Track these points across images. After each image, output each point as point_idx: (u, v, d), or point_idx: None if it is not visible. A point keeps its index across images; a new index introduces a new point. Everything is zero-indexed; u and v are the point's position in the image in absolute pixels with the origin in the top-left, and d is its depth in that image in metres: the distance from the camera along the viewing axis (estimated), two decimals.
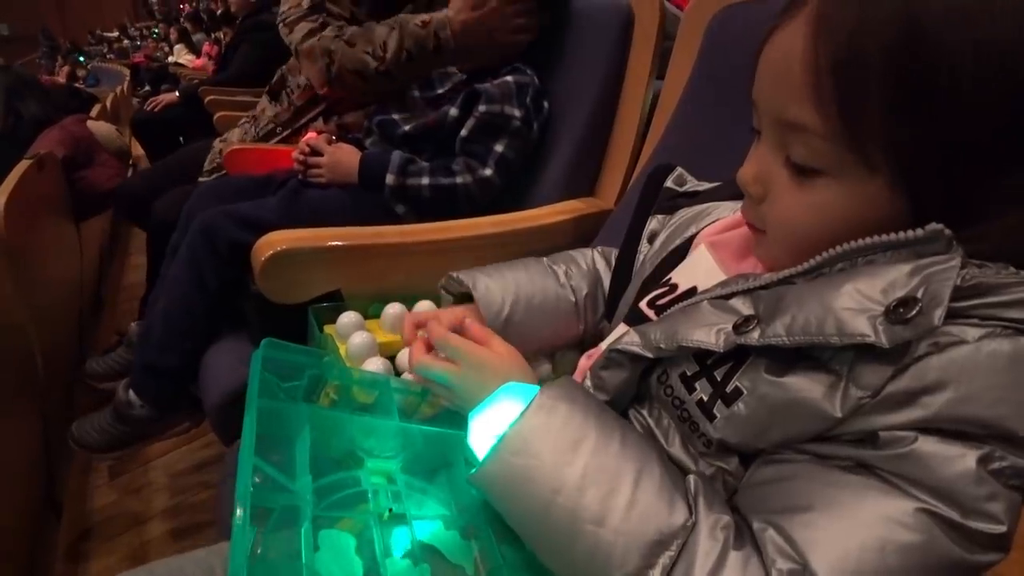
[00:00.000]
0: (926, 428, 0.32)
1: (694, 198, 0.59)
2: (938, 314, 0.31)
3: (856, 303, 0.33)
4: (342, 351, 0.68)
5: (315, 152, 1.07)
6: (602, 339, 0.59)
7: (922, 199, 0.34)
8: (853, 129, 0.33)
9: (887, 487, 0.33)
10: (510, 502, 0.40)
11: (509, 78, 1.04)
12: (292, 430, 0.45)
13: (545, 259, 0.68)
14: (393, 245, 0.81)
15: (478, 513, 0.45)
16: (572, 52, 1.10)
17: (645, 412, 0.46)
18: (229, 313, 0.90)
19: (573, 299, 0.64)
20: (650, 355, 0.42)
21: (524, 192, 1.10)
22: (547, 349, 0.66)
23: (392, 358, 0.72)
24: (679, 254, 0.54)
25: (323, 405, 0.51)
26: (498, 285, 0.62)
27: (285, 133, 1.38)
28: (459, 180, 1.01)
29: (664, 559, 0.34)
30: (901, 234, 0.34)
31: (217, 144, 1.47)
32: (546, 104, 1.08)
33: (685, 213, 0.58)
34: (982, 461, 0.31)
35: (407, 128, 1.06)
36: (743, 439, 0.39)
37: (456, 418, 0.55)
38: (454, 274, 0.64)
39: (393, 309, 0.76)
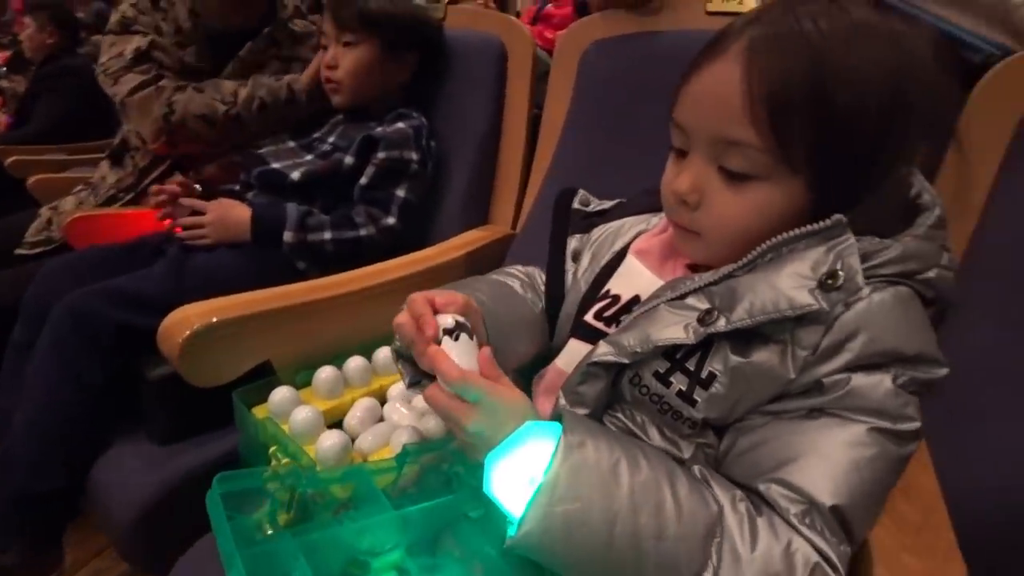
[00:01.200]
0: (854, 367, 0.41)
1: (604, 216, 0.64)
2: (859, 280, 0.41)
3: (796, 282, 0.41)
4: (285, 430, 0.63)
5: (194, 211, 0.97)
6: (548, 360, 0.61)
7: (826, 193, 0.43)
8: (783, 143, 0.42)
9: (841, 420, 0.41)
10: (566, 552, 0.39)
11: (401, 124, 1.03)
12: (286, 565, 0.41)
13: (493, 275, 0.67)
14: (326, 300, 0.76)
15: (493, 560, 0.45)
16: (452, 89, 1.13)
17: (619, 415, 0.49)
18: (118, 411, 0.78)
19: (536, 311, 0.63)
20: (627, 360, 0.46)
21: (424, 229, 1.10)
22: (520, 366, 0.63)
23: (338, 424, 0.68)
24: (611, 268, 0.58)
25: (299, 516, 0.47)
26: (488, 298, 0.58)
27: (128, 197, 1.24)
28: (363, 232, 0.98)
29: (715, 546, 0.38)
30: (814, 226, 0.42)
31: (46, 212, 1.27)
32: (433, 143, 1.09)
33: (603, 230, 0.62)
34: (894, 380, 0.41)
35: (296, 177, 1.01)
36: (721, 414, 0.44)
37: (437, 473, 0.53)
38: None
39: (326, 373, 0.72)
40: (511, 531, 0.40)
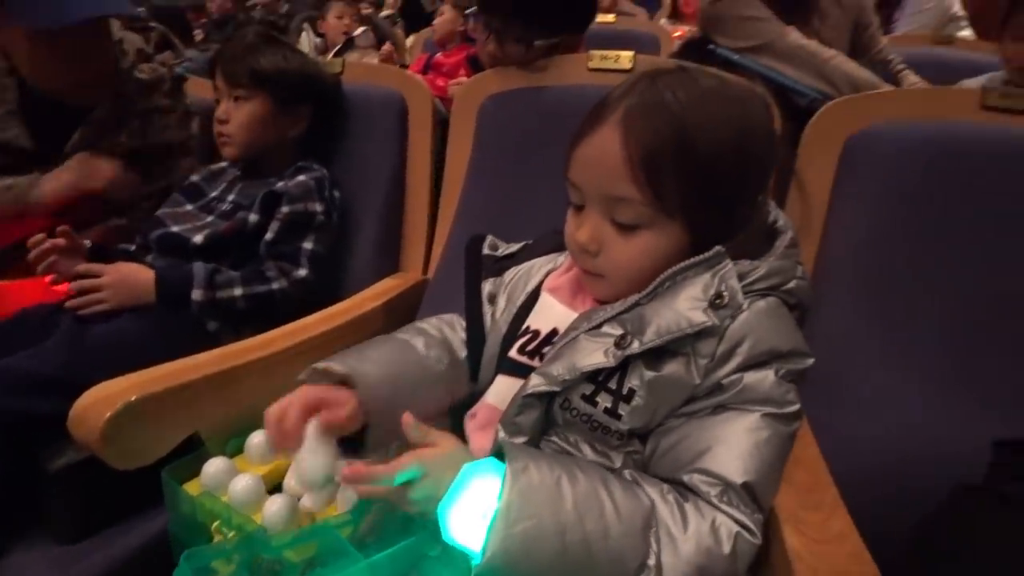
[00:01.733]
0: (744, 368, 0.50)
1: (514, 259, 0.70)
2: (740, 297, 0.50)
3: (692, 304, 0.50)
4: (225, 502, 0.61)
5: (87, 275, 0.90)
6: (475, 399, 0.65)
7: (699, 233, 0.52)
8: (660, 197, 0.50)
9: (740, 412, 0.49)
10: (528, 567, 0.44)
11: (303, 177, 1.03)
12: None
13: (398, 334, 0.69)
14: (250, 364, 0.74)
15: None
16: (355, 142, 1.15)
17: (554, 439, 0.55)
18: (11, 511, 0.70)
19: (439, 369, 0.66)
20: (558, 388, 0.52)
21: (337, 280, 1.09)
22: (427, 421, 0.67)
23: (278, 488, 0.66)
24: (527, 306, 0.64)
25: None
26: (374, 370, 0.61)
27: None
28: (275, 286, 0.96)
29: (653, 535, 0.45)
30: (700, 257, 0.52)
31: None
32: (337, 193, 1.11)
33: (515, 272, 0.68)
34: (776, 373, 0.50)
35: (199, 240, 0.97)
36: (643, 423, 0.52)
37: (393, 517, 0.54)
38: (320, 365, 0.62)
39: (258, 438, 0.70)
40: (476, 560, 0.43)
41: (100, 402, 0.60)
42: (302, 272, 0.99)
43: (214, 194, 1.07)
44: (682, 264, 0.52)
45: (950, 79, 1.49)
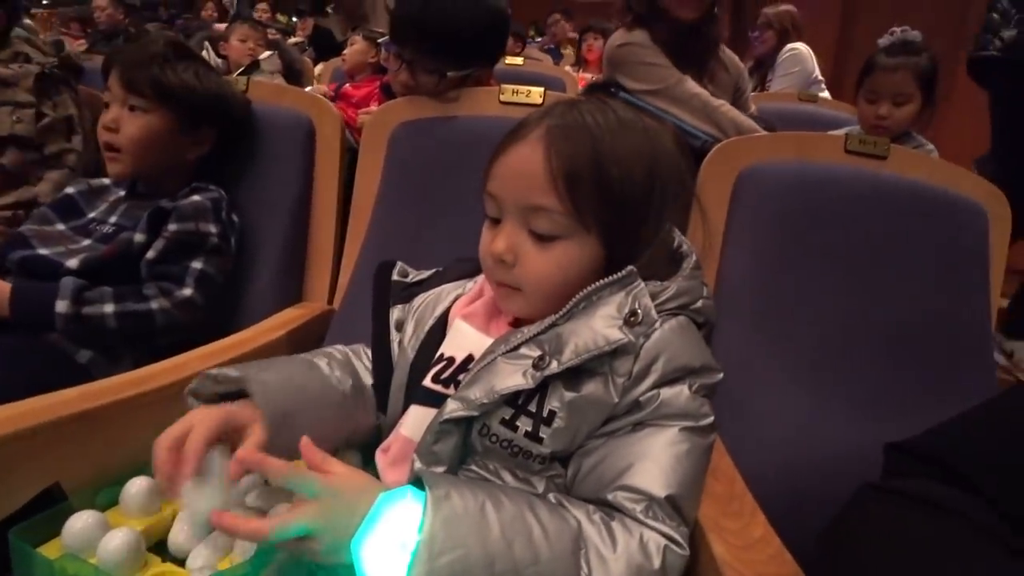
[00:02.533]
0: (660, 384, 0.51)
1: (424, 285, 0.69)
2: (653, 315, 0.52)
3: (608, 323, 0.51)
4: (93, 565, 0.52)
5: None
6: (386, 433, 0.62)
7: (612, 248, 0.54)
8: (578, 209, 0.52)
9: (658, 428, 0.50)
10: None
11: (197, 197, 0.96)
12: None
13: (302, 355, 0.66)
14: (127, 400, 0.65)
15: None
16: (258, 165, 1.09)
17: (473, 467, 0.54)
18: None
19: (342, 390, 0.63)
20: (476, 413, 0.51)
21: (235, 309, 1.02)
22: (326, 446, 0.63)
23: (162, 543, 0.58)
24: (435, 333, 0.63)
25: None
26: (273, 377, 0.58)
27: None
28: (155, 305, 0.87)
29: (583, 556, 0.44)
30: (613, 277, 0.53)
31: None
32: (236, 218, 1.03)
33: (423, 298, 0.67)
34: (690, 388, 0.51)
35: (73, 265, 0.86)
36: (565, 445, 0.51)
37: (298, 567, 0.49)
38: (214, 371, 0.58)
39: (137, 486, 0.61)
40: None
41: None
42: (187, 292, 0.90)
43: (93, 215, 0.98)
44: (597, 284, 0.53)
45: (813, 130, 1.73)
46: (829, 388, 0.83)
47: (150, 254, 0.90)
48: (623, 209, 0.53)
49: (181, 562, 0.57)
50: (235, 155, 1.09)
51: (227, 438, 0.55)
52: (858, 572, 0.43)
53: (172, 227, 0.92)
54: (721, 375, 0.54)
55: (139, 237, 0.91)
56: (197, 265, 0.93)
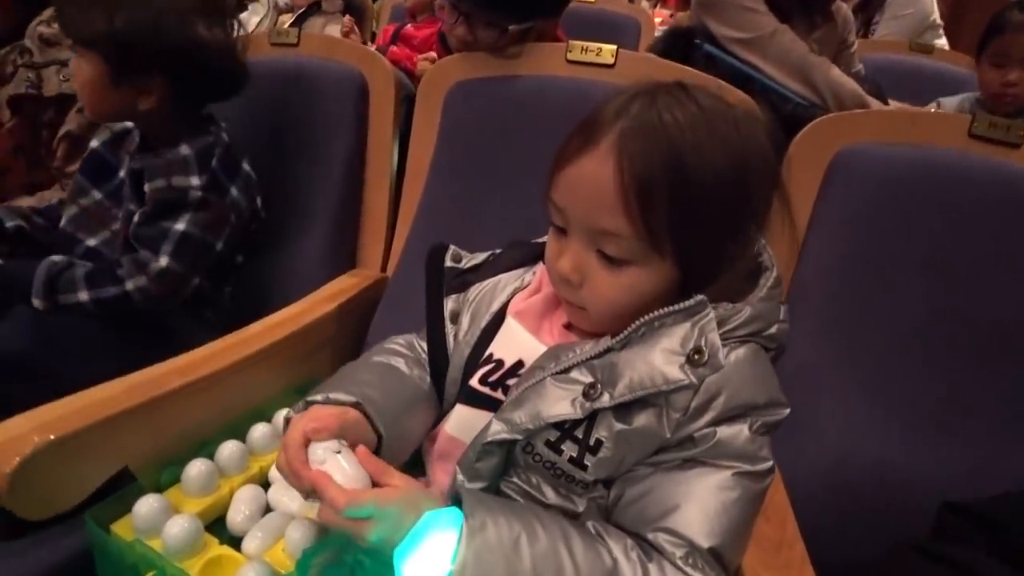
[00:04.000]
0: (718, 422, 0.47)
1: (478, 272, 0.65)
2: (722, 356, 0.46)
3: (667, 359, 0.47)
4: (157, 548, 0.56)
5: None
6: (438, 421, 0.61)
7: (690, 272, 0.49)
8: (651, 232, 0.46)
9: (710, 468, 0.47)
10: None
11: (182, 147, 0.86)
12: None
13: (373, 357, 0.65)
14: (186, 386, 0.67)
15: None
16: (307, 124, 1.06)
17: (515, 479, 0.52)
18: None
19: (425, 388, 0.63)
20: (520, 437, 0.49)
21: (283, 277, 1.03)
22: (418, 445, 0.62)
23: (220, 520, 0.62)
24: (492, 330, 0.60)
25: None
26: (374, 392, 0.57)
27: None
28: (129, 286, 0.81)
29: None
30: (680, 305, 0.48)
31: None
32: (246, 165, 0.93)
33: (480, 288, 0.63)
34: (751, 428, 0.47)
35: (93, 243, 0.85)
36: (610, 473, 0.49)
37: (340, 568, 0.51)
38: (318, 396, 0.56)
39: (196, 468, 0.64)
40: None
41: (5, 446, 0.53)
42: (162, 262, 0.82)
43: (121, 173, 0.92)
44: (660, 312, 0.48)
45: (924, 88, 1.49)
46: (901, 406, 0.75)
47: (136, 219, 0.84)
48: (705, 230, 0.47)
49: (238, 539, 0.60)
50: (286, 114, 1.05)
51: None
52: None
53: (146, 187, 0.83)
54: (787, 411, 0.49)
55: (131, 206, 0.85)
56: (178, 227, 0.84)
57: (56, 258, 0.82)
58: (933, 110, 1.35)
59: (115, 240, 0.87)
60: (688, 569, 0.44)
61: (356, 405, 0.55)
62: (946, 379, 0.74)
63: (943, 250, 0.76)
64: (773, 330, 0.50)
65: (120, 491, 0.61)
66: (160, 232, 0.83)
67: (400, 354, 0.65)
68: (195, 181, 0.85)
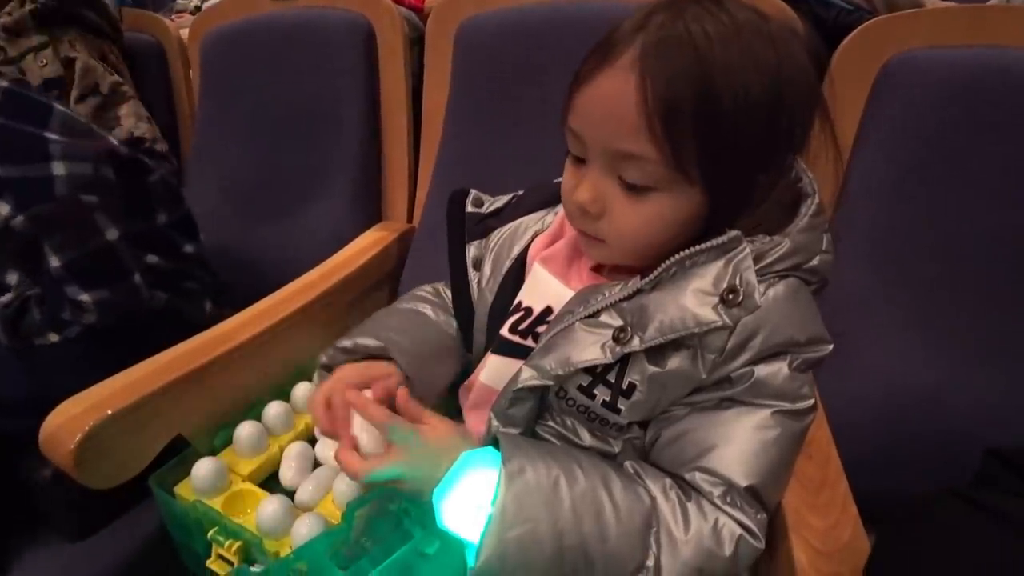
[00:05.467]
0: (756, 361, 0.45)
1: (499, 216, 0.64)
2: (758, 294, 0.44)
3: (701, 300, 0.44)
4: (217, 509, 0.60)
5: None
6: (470, 368, 0.62)
7: (720, 199, 0.45)
8: (678, 155, 0.42)
9: (748, 407, 0.46)
10: (524, 571, 0.43)
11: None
12: None
13: (401, 304, 0.67)
14: (230, 352, 0.69)
15: None
16: (318, 81, 1.03)
17: (551, 423, 0.52)
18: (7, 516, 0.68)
19: (451, 333, 0.64)
20: (551, 383, 0.48)
21: (311, 236, 1.03)
22: (445, 391, 0.64)
23: (273, 477, 0.65)
24: (514, 275, 0.59)
25: None
26: (401, 337, 0.59)
27: None
28: (85, 320, 0.72)
29: (653, 535, 0.43)
30: (713, 241, 0.45)
31: None
32: (51, 132, 0.70)
33: (500, 233, 0.62)
34: (790, 365, 0.45)
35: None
36: (645, 415, 0.48)
37: (386, 516, 0.53)
38: (347, 342, 0.59)
39: (246, 429, 0.67)
40: (471, 563, 0.42)
41: (67, 424, 0.56)
42: (87, 300, 0.71)
43: None
44: (692, 250, 0.45)
45: None
46: (953, 336, 0.70)
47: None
48: (737, 153, 0.43)
49: (291, 493, 0.63)
50: (289, 65, 1.02)
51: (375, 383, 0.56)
52: None
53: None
54: (830, 347, 0.47)
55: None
56: (55, 264, 0.69)
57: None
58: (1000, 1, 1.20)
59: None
60: (727, 508, 0.44)
61: (382, 350, 0.57)
62: (1001, 309, 0.69)
63: (1006, 165, 0.69)
64: (815, 262, 0.47)
65: (179, 455, 0.64)
66: (50, 279, 0.71)
67: (427, 300, 0.66)
68: (3, 209, 0.67)
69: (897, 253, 0.73)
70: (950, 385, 0.68)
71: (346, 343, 0.59)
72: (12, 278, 0.76)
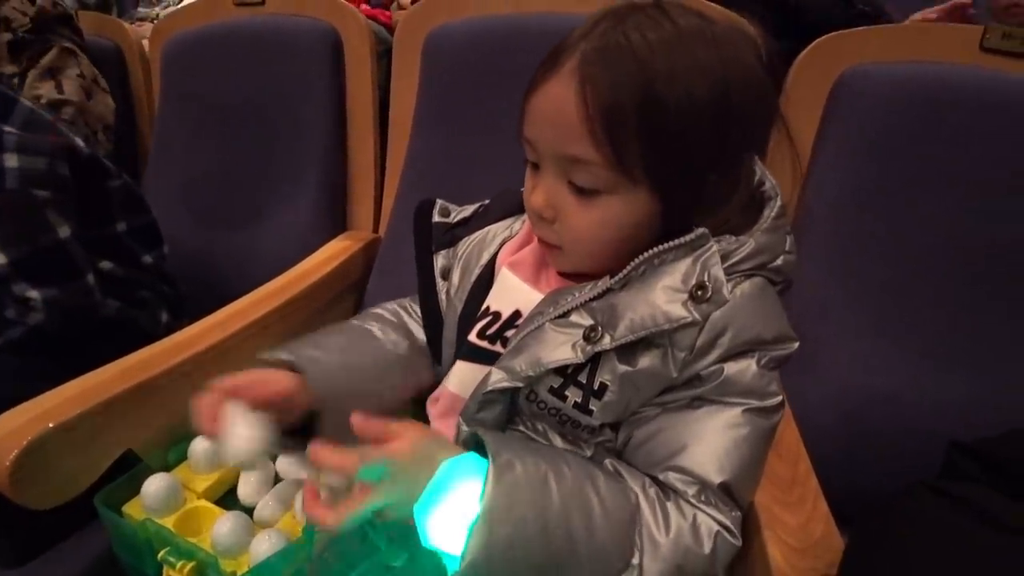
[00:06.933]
0: (726, 358, 0.45)
1: (467, 226, 0.63)
2: (726, 290, 0.44)
3: (670, 296, 0.45)
4: (169, 527, 0.56)
5: None
6: (439, 382, 0.61)
7: (671, 200, 0.46)
8: (620, 158, 0.43)
9: (718, 406, 0.46)
10: (510, 570, 0.41)
11: None
12: None
13: (353, 321, 0.65)
14: (185, 362, 0.66)
15: None
16: (284, 87, 1.02)
17: (521, 428, 0.51)
18: None
19: (398, 353, 0.62)
20: (521, 384, 0.47)
21: (276, 242, 1.01)
22: (387, 411, 0.63)
23: (231, 492, 0.62)
24: (483, 283, 0.58)
25: None
26: (323, 354, 0.57)
27: None
28: (30, 321, 0.69)
29: (637, 532, 0.43)
30: (681, 239, 0.45)
31: None
32: (9, 125, 0.70)
33: (468, 242, 0.61)
34: (758, 363, 0.46)
35: None
36: (616, 417, 0.48)
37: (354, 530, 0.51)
38: (270, 356, 0.57)
39: (202, 444, 0.65)
40: (455, 565, 0.40)
41: (4, 438, 0.52)
42: (35, 298, 0.68)
43: None
44: (660, 248, 0.45)
45: None
46: (911, 337, 0.73)
47: None
48: (681, 156, 0.44)
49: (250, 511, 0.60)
50: (254, 77, 1.01)
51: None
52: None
53: None
54: (796, 345, 0.48)
55: None
56: (2, 261, 0.68)
57: None
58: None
59: None
60: (702, 506, 0.44)
61: (292, 364, 0.54)
62: (956, 308, 0.72)
63: (954, 174, 0.72)
64: (779, 262, 0.48)
65: (129, 472, 0.61)
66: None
67: (378, 318, 0.64)
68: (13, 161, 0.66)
69: (855, 261, 0.75)
70: (909, 387, 0.70)
71: (265, 355, 0.57)
72: None
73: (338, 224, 1.04)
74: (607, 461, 0.48)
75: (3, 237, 0.68)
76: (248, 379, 0.52)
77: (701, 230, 0.45)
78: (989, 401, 0.66)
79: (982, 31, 0.72)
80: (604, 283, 0.48)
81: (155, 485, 0.59)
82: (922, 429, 0.51)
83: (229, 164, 1.07)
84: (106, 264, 0.76)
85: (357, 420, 0.47)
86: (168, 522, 0.58)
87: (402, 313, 0.66)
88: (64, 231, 0.71)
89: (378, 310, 0.66)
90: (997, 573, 0.37)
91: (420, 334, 0.64)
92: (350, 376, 0.56)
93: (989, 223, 0.71)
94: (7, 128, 0.69)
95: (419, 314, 0.65)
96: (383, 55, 1.06)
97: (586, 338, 0.46)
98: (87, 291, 0.73)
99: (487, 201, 0.64)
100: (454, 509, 0.41)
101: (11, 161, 0.68)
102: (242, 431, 0.48)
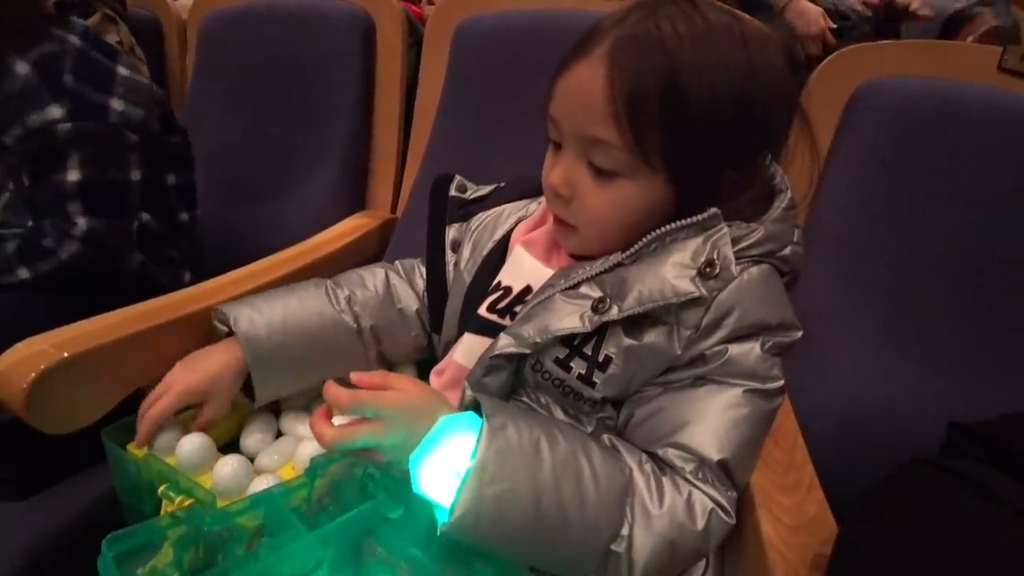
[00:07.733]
0: (730, 340, 0.46)
1: (483, 203, 0.65)
2: (734, 268, 0.45)
3: (679, 272, 0.46)
4: (172, 465, 0.57)
5: None
6: (441, 353, 0.62)
7: (686, 191, 0.48)
8: (640, 144, 0.45)
9: (720, 386, 0.47)
10: (498, 530, 0.42)
11: (17, 62, 0.68)
12: None
13: (328, 281, 0.66)
14: (200, 312, 0.67)
15: (418, 559, 0.46)
16: (316, 64, 1.04)
17: (524, 399, 0.52)
18: None
19: (354, 326, 0.63)
20: (528, 351, 0.48)
21: (293, 217, 1.03)
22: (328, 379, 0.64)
23: (233, 445, 0.63)
24: (494, 258, 0.60)
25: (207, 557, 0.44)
26: (264, 316, 0.60)
27: None
28: (63, 256, 0.71)
29: (629, 505, 0.43)
30: (693, 219, 0.47)
31: None
32: (124, 70, 0.76)
33: (482, 218, 0.63)
34: (762, 347, 0.47)
35: None
36: (618, 391, 0.49)
37: (350, 479, 0.52)
38: (220, 308, 0.62)
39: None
40: (444, 518, 0.41)
41: (22, 362, 0.54)
42: (80, 223, 0.71)
43: None
44: (672, 225, 0.47)
45: None
46: (914, 345, 0.73)
47: (25, 180, 0.72)
48: (699, 149, 0.45)
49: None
50: (289, 54, 1.04)
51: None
52: (900, 545, 0.40)
53: (7, 140, 0.69)
54: (800, 333, 0.49)
55: (12, 158, 0.72)
56: (71, 178, 0.70)
57: None
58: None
59: (15, 202, 0.76)
60: (698, 483, 0.45)
61: (229, 323, 0.59)
62: (959, 319, 0.73)
63: (962, 190, 0.73)
64: (787, 252, 0.50)
65: (134, 414, 0.62)
66: (56, 191, 0.71)
67: (359, 285, 0.66)
68: (55, 112, 0.68)
69: (862, 268, 0.76)
70: (909, 397, 0.71)
71: (220, 307, 0.62)
72: None
73: (357, 204, 1.06)
74: (604, 436, 0.49)
75: (84, 157, 0.72)
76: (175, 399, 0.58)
77: (713, 210, 0.46)
78: (988, 413, 0.66)
79: (1001, 52, 0.74)
80: (615, 257, 0.49)
81: (190, 444, 0.59)
82: (921, 439, 0.51)
83: (255, 140, 1.10)
84: (144, 216, 0.80)
85: (353, 373, 0.48)
86: (171, 461, 0.58)
87: (395, 277, 0.68)
88: (136, 175, 0.77)
89: (364, 274, 0.68)
90: (999, 550, 0.37)
91: (411, 301, 0.66)
92: (286, 340, 0.59)
93: (993, 238, 0.72)
94: (121, 70, 0.78)
95: (422, 280, 0.66)
96: (412, 46, 1.09)
97: (594, 309, 0.47)
98: (127, 233, 0.78)
99: (503, 184, 0.66)
100: (447, 460, 0.43)
101: (117, 104, 0.75)
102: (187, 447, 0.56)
